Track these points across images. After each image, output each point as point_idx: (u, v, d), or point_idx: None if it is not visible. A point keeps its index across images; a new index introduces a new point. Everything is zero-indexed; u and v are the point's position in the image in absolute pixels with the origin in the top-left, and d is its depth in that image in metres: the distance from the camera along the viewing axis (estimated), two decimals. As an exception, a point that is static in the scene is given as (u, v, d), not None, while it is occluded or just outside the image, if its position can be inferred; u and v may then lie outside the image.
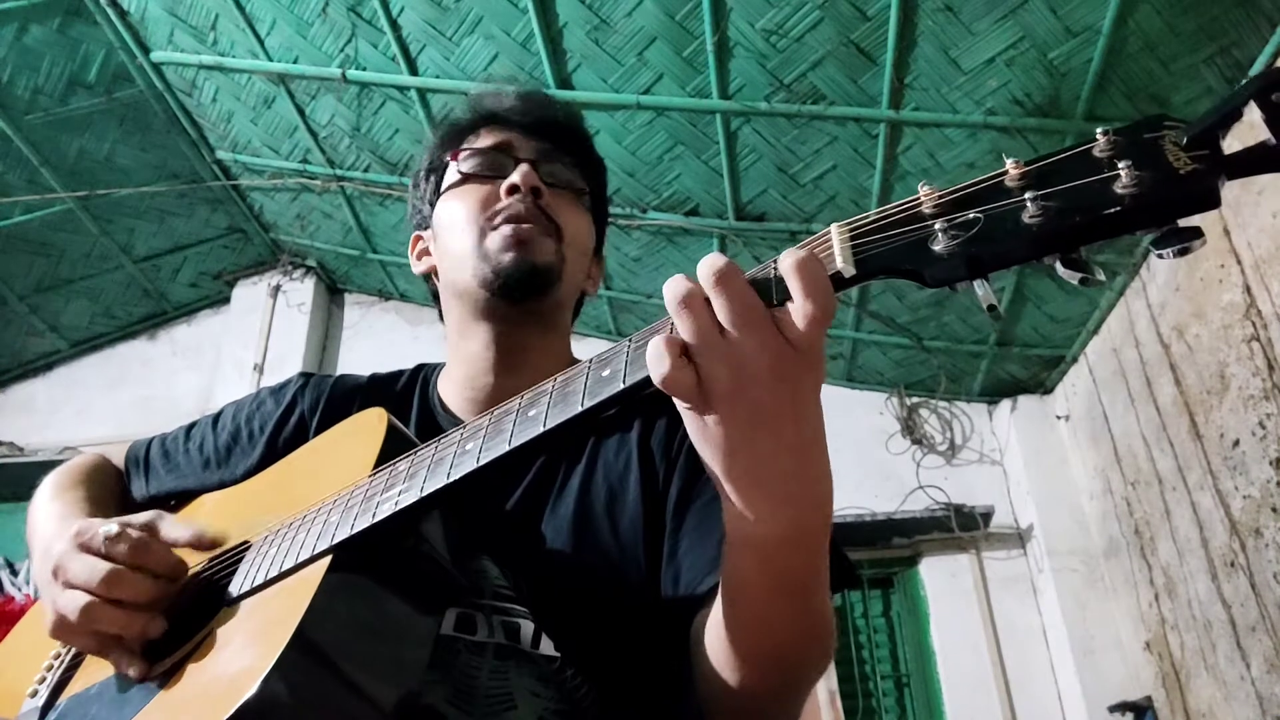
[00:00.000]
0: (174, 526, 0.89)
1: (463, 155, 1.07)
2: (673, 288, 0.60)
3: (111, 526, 0.84)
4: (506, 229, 0.99)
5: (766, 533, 0.65)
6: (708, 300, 0.59)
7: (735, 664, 0.76)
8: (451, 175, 1.08)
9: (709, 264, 0.59)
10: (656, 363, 0.59)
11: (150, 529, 0.88)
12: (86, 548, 0.84)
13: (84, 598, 0.81)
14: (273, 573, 0.79)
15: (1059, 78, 2.88)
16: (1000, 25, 2.79)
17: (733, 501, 0.65)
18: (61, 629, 0.83)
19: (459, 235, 1.03)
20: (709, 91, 3.25)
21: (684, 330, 0.59)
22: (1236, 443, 2.97)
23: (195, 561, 0.92)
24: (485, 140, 1.08)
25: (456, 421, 1.03)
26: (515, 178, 1.01)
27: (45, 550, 0.90)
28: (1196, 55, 2.74)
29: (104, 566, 0.82)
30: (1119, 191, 0.52)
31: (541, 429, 0.68)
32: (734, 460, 0.62)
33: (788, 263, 0.58)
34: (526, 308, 1.01)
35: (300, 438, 1.05)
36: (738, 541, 0.68)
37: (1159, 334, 3.40)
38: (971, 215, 0.56)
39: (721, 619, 0.75)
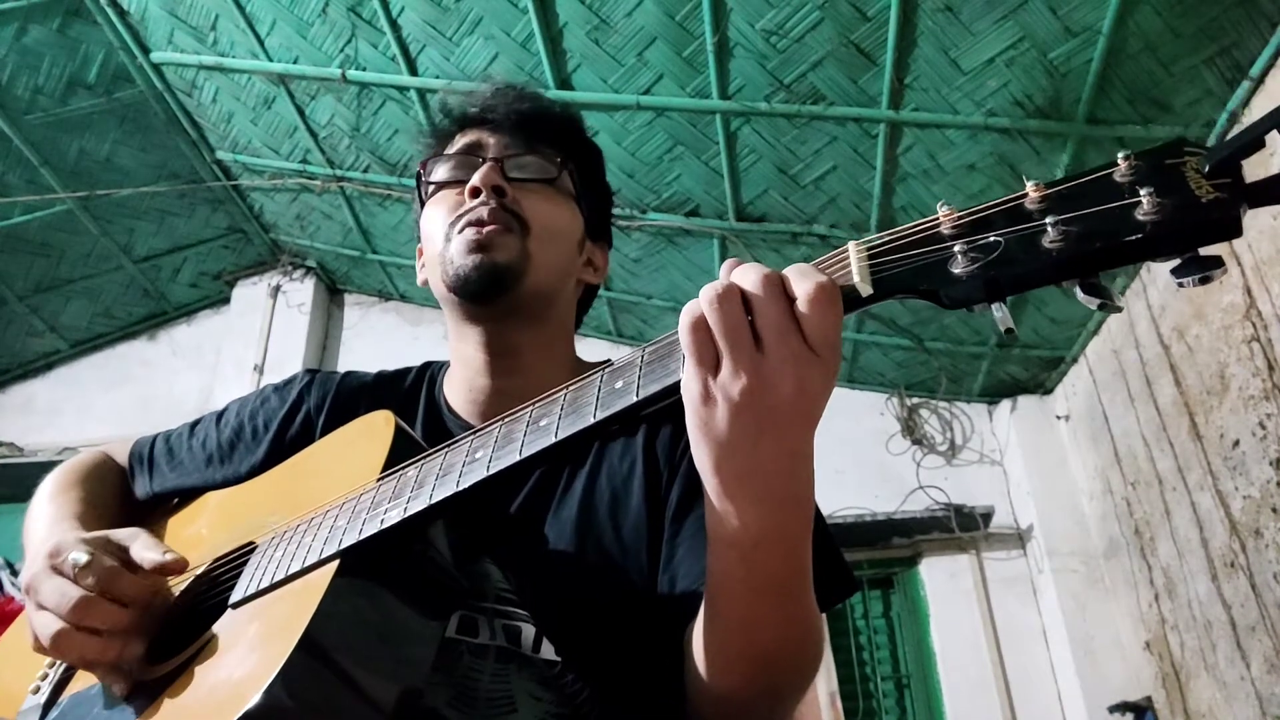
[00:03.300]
0: (150, 548, 0.87)
1: (433, 165, 1.08)
2: (709, 287, 0.61)
3: (81, 555, 0.82)
4: (468, 232, 0.98)
5: (746, 530, 0.66)
6: (744, 299, 0.60)
7: (719, 667, 0.76)
8: (427, 185, 1.08)
9: (755, 267, 0.62)
10: (689, 312, 0.61)
11: (124, 551, 0.87)
12: (59, 570, 0.83)
13: (55, 624, 0.80)
14: (278, 576, 0.78)
15: (1059, 79, 2.88)
16: (1000, 25, 2.79)
17: (716, 498, 0.65)
18: (40, 649, 0.82)
19: (431, 243, 1.04)
20: (709, 92, 3.25)
21: (715, 320, 0.60)
22: (1236, 443, 2.97)
23: (197, 563, 0.92)
24: (457, 144, 1.08)
25: (462, 423, 1.03)
26: (475, 179, 1.01)
27: (30, 559, 0.89)
28: (1197, 56, 2.74)
29: (74, 593, 0.80)
30: (1141, 218, 0.52)
31: (553, 439, 0.68)
32: (730, 459, 0.63)
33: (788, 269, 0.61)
34: (498, 307, 1.00)
35: (306, 436, 1.04)
36: (718, 539, 0.68)
37: (1159, 335, 3.40)
38: (992, 238, 0.56)
39: (705, 621, 0.76)
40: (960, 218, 0.58)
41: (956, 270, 0.56)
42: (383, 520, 0.74)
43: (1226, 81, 2.78)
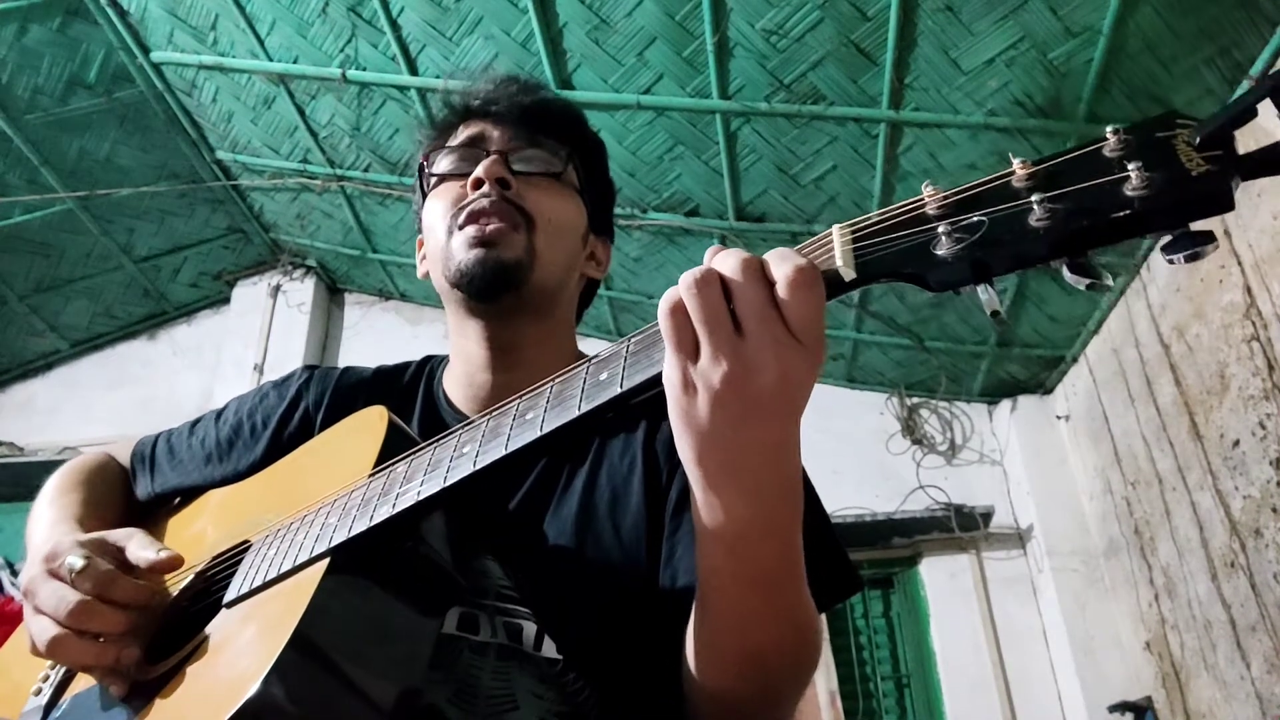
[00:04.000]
0: (145, 547, 0.87)
1: (435, 157, 1.06)
2: (688, 274, 0.60)
3: (77, 560, 0.82)
4: (470, 228, 0.97)
5: (732, 521, 0.64)
6: (724, 285, 0.59)
7: (713, 665, 0.75)
8: (429, 177, 1.07)
9: (735, 253, 0.60)
10: (668, 298, 0.60)
11: (120, 552, 0.87)
12: (56, 575, 0.83)
13: (52, 628, 0.80)
14: (271, 575, 0.78)
15: (1059, 78, 2.88)
16: (1000, 25, 2.79)
17: (700, 490, 0.64)
18: (37, 653, 0.82)
19: (433, 236, 1.02)
20: (709, 91, 3.25)
21: (693, 305, 0.58)
22: (1236, 443, 2.97)
23: (193, 562, 0.92)
24: (460, 136, 1.06)
25: (461, 417, 1.02)
26: (478, 171, 0.99)
27: (30, 562, 0.89)
28: (1197, 56, 2.74)
29: (72, 597, 0.80)
30: (1129, 194, 0.50)
31: (538, 433, 0.68)
32: (713, 449, 0.62)
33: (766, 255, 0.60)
34: (503, 304, 0.98)
35: (305, 432, 1.04)
36: (705, 533, 0.67)
37: (1159, 334, 3.40)
38: (976, 218, 0.54)
39: (697, 617, 0.75)
40: (945, 198, 0.56)
41: (941, 252, 0.55)
42: (371, 517, 0.74)
43: (1227, 81, 2.78)
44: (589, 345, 1.10)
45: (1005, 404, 4.41)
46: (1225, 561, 3.07)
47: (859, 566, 4.47)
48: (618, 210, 3.71)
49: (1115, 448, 3.78)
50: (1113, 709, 3.67)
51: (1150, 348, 3.47)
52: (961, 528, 4.18)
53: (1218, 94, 2.82)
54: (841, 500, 4.11)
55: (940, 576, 4.24)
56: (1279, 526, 2.80)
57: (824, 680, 3.95)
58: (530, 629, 0.86)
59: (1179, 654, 3.40)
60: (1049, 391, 4.35)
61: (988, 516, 4.22)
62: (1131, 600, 3.73)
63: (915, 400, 4.49)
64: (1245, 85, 2.75)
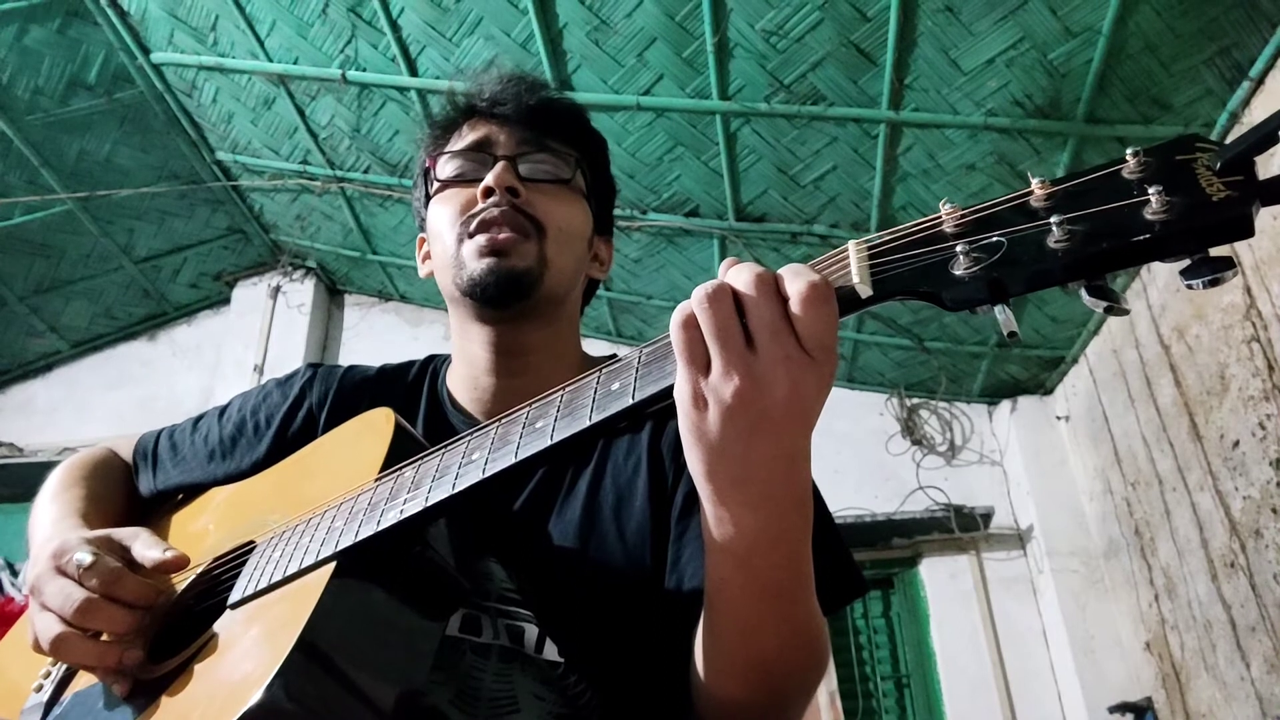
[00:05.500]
0: (151, 546, 0.87)
1: (442, 160, 1.05)
2: (700, 287, 0.60)
3: (85, 556, 0.82)
4: (480, 237, 0.96)
5: (742, 534, 0.64)
6: (736, 299, 0.59)
7: (720, 673, 0.75)
8: (435, 180, 1.06)
9: (749, 267, 0.60)
10: (680, 311, 0.59)
11: (126, 551, 0.87)
12: (63, 571, 0.83)
13: (58, 626, 0.80)
14: (276, 577, 0.78)
15: (1059, 79, 2.88)
16: (1000, 26, 2.79)
17: (710, 503, 0.64)
18: (40, 650, 0.82)
19: (441, 241, 1.01)
20: (709, 92, 3.25)
21: (705, 319, 0.59)
22: (1236, 443, 2.97)
23: (196, 559, 0.92)
24: (467, 137, 1.05)
25: (465, 417, 1.02)
26: (489, 179, 0.98)
27: (34, 559, 0.89)
28: (1196, 56, 2.74)
29: (78, 595, 0.80)
30: (1149, 218, 0.50)
31: (548, 442, 0.68)
32: (723, 463, 0.62)
33: (782, 269, 0.60)
34: (512, 310, 0.98)
35: (309, 431, 1.04)
36: (715, 545, 0.67)
37: (1159, 335, 3.40)
38: (995, 238, 0.54)
39: (705, 626, 0.75)
40: (963, 216, 0.56)
41: (958, 271, 0.55)
42: (379, 522, 0.74)
43: (1226, 81, 2.78)
44: (588, 346, 1.10)
45: (1005, 404, 4.41)
46: (1225, 562, 3.07)
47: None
48: (617, 212, 3.71)
49: (1115, 448, 3.79)
50: (1113, 710, 3.67)
51: (1150, 348, 3.47)
52: (961, 528, 4.18)
53: (1217, 94, 2.82)
54: (841, 500, 4.11)
55: (940, 577, 4.24)
56: (1279, 527, 2.80)
57: (824, 681, 3.95)
58: (532, 631, 0.85)
59: (1179, 654, 3.40)
60: (1049, 392, 4.35)
61: (988, 517, 4.22)
62: (1131, 601, 3.73)
63: (915, 401, 4.49)
64: (1245, 85, 2.75)
